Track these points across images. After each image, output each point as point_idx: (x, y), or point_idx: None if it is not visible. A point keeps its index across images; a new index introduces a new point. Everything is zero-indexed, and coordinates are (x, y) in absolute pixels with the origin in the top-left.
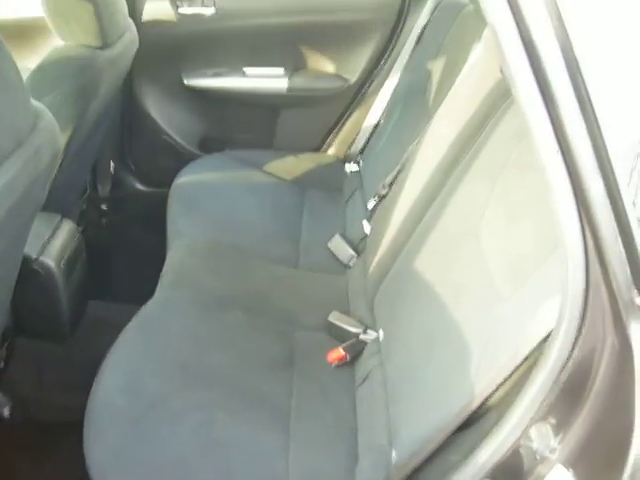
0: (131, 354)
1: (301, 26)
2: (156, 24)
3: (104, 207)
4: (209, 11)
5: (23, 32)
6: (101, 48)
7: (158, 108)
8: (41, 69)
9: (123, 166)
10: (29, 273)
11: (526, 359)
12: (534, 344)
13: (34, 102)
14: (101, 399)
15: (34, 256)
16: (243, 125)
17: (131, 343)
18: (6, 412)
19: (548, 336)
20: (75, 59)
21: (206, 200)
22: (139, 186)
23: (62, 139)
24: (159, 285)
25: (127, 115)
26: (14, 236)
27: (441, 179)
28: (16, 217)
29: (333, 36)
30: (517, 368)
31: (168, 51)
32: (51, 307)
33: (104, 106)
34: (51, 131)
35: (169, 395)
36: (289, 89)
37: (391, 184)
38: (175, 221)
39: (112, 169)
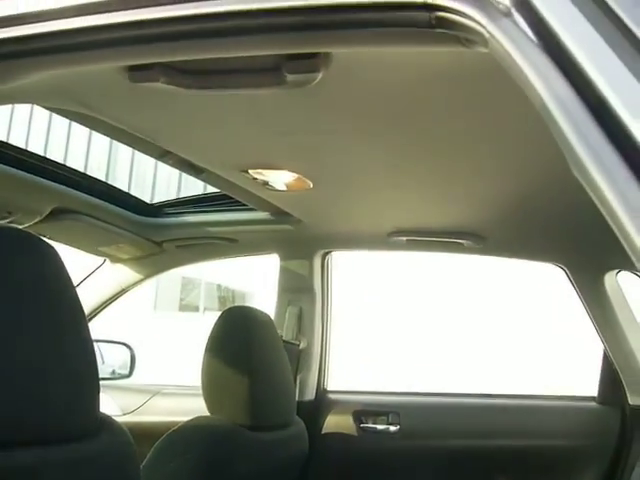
0: None
1: (498, 450)
2: (335, 435)
3: None
4: (393, 428)
5: None
6: (250, 429)
7: None
8: (175, 432)
9: None
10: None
11: None
12: None
13: (106, 416)
14: None
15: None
16: None
17: None
18: None
19: None
20: (208, 430)
21: None
22: None
23: None
24: None
25: None
26: None
27: None
28: None
29: (540, 464)
30: None
31: (342, 462)
32: None
33: None
34: (116, 450)
35: None
36: None
37: None
38: None
39: None
